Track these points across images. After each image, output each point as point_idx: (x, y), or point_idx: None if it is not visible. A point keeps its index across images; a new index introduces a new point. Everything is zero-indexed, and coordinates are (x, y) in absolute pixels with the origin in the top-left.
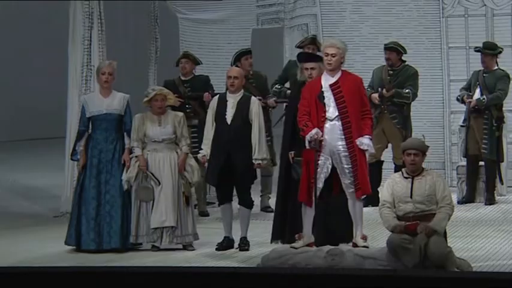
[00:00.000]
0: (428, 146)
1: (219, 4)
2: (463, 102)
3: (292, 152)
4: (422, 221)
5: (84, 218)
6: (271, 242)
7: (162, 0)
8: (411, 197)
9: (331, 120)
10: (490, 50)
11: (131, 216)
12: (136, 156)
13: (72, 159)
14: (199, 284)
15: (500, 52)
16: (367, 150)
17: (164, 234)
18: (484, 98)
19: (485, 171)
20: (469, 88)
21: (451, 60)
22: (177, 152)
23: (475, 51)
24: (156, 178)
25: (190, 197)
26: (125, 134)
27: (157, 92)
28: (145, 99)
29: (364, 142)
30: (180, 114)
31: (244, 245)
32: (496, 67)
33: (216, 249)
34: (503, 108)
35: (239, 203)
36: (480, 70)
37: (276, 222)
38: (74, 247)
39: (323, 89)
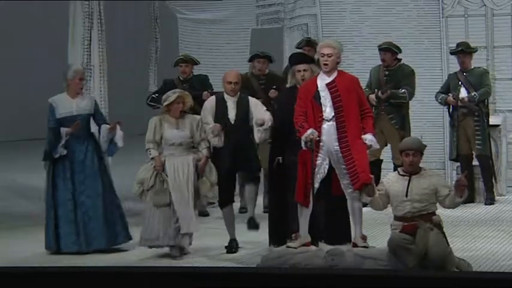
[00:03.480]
0: (425, 146)
1: (218, 4)
2: (446, 104)
3: (280, 158)
4: (420, 221)
5: (63, 221)
6: (269, 245)
7: (162, 0)
8: (407, 196)
9: (329, 121)
10: (470, 49)
11: (115, 215)
12: (152, 158)
13: (51, 158)
14: (199, 284)
15: (476, 51)
16: (370, 146)
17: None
18: (475, 94)
19: (481, 171)
20: (446, 91)
21: (450, 60)
22: (194, 153)
23: (451, 53)
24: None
25: (205, 196)
26: (101, 127)
27: (178, 94)
28: (166, 102)
29: (368, 138)
30: (198, 117)
31: (253, 224)
32: (473, 66)
33: (227, 252)
34: (502, 108)
35: (245, 181)
36: (456, 72)
37: (272, 227)
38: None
39: (319, 89)
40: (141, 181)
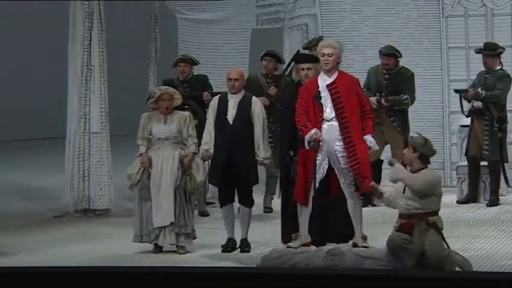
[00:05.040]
0: (419, 143)
1: (218, 4)
2: (462, 97)
3: (291, 152)
4: (415, 220)
5: None
6: (284, 244)
7: (162, 0)
8: (403, 193)
9: (329, 121)
10: (490, 51)
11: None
12: (140, 154)
13: None
14: (199, 284)
15: (502, 52)
16: (370, 148)
17: (167, 232)
18: (482, 92)
19: (490, 173)
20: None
21: (450, 61)
22: (182, 149)
23: (476, 52)
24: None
25: (192, 194)
26: None
27: (163, 91)
28: (152, 99)
29: (368, 139)
30: (187, 113)
31: (245, 246)
32: (498, 67)
33: (222, 251)
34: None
35: (239, 202)
36: (483, 71)
37: (283, 224)
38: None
39: (320, 89)
40: (129, 176)
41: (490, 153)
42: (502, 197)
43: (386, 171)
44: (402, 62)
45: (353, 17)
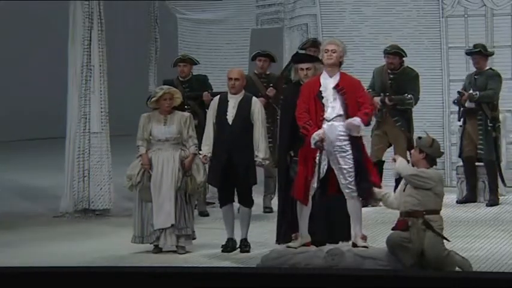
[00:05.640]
0: (427, 144)
1: (218, 4)
2: (459, 103)
3: (291, 152)
4: (413, 218)
5: None
6: (278, 244)
7: (162, 0)
8: (404, 190)
9: (329, 121)
10: (485, 51)
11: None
12: (140, 155)
13: None
14: (199, 284)
15: (492, 54)
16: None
17: (167, 233)
18: (476, 94)
19: (487, 173)
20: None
21: (450, 61)
22: (182, 150)
23: (467, 54)
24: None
25: (192, 195)
26: None
27: (165, 91)
28: (153, 98)
29: (355, 120)
30: (187, 114)
31: (245, 246)
32: (487, 68)
33: (222, 251)
34: (501, 108)
35: (239, 202)
36: (471, 73)
37: (279, 224)
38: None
39: (322, 89)
40: (129, 177)
41: (485, 153)
42: (502, 197)
43: (387, 171)
44: (405, 63)
45: (353, 17)
